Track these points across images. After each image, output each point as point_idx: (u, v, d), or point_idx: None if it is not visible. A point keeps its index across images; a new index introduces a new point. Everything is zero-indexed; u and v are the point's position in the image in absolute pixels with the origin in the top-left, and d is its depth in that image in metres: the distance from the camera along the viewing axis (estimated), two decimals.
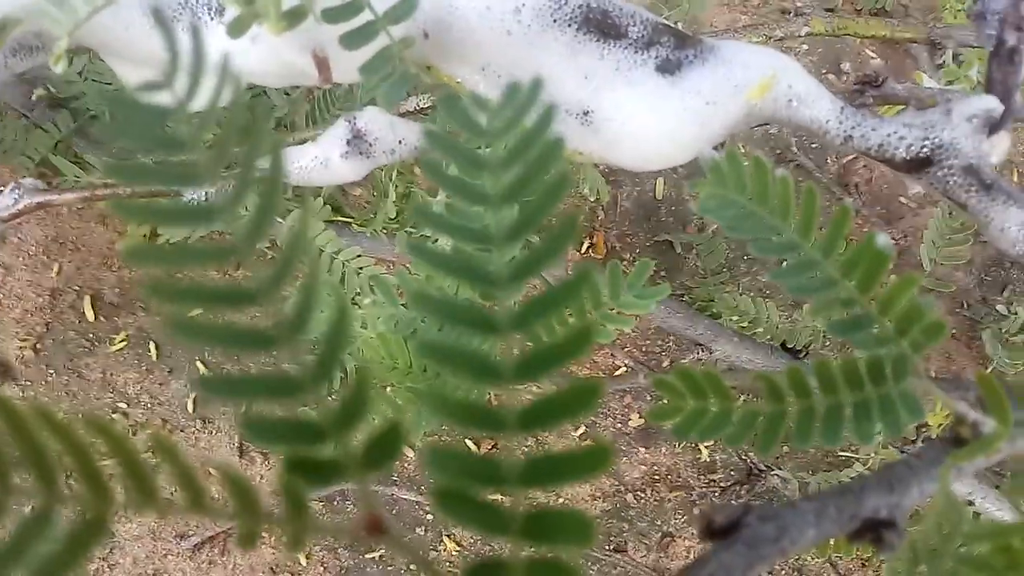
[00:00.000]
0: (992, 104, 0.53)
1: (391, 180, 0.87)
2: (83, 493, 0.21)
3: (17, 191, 0.67)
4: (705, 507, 0.37)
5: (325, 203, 0.88)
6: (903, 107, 0.64)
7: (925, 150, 0.57)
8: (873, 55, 1.65)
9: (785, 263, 0.45)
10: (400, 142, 0.65)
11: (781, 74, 0.58)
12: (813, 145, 1.52)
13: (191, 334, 0.20)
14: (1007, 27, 0.50)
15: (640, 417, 1.24)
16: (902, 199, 1.54)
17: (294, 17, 0.47)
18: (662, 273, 1.30)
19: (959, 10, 1.48)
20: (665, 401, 0.43)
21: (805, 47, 1.60)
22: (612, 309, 0.60)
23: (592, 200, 1.06)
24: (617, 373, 1.22)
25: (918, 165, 0.57)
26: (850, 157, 1.52)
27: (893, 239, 1.48)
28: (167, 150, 0.26)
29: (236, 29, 0.47)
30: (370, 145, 0.64)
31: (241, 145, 0.27)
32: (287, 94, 1.20)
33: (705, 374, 0.42)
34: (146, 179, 0.26)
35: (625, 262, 1.32)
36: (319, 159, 0.65)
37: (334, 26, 0.51)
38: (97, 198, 0.67)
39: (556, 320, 0.56)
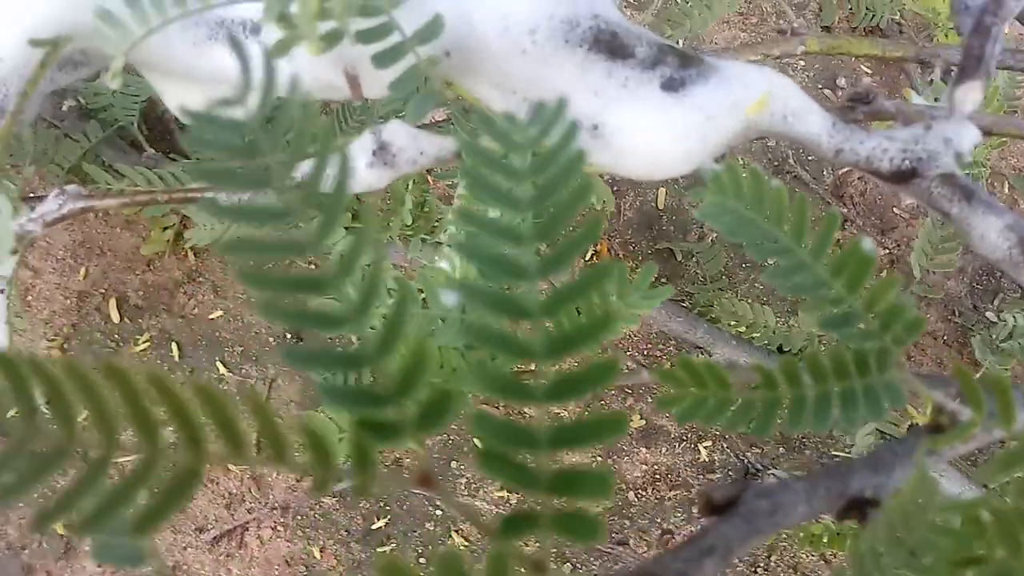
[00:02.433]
0: (971, 134, 0.58)
1: (407, 189, 0.90)
2: (181, 446, 0.25)
3: (61, 197, 0.71)
4: (705, 487, 0.41)
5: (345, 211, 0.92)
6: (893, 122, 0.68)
7: (908, 163, 0.61)
8: (868, 71, 1.69)
9: (777, 265, 0.49)
10: (421, 153, 0.69)
11: (777, 92, 0.62)
12: (810, 158, 1.56)
13: (261, 283, 0.23)
14: (987, 14, 0.56)
15: (642, 418, 1.27)
16: (895, 210, 1.58)
17: (331, 39, 0.51)
18: (663, 280, 1.34)
19: (951, 29, 1.52)
20: (670, 391, 0.46)
21: (802, 63, 1.64)
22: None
23: (599, 209, 1.10)
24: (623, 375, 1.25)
25: (903, 176, 0.61)
26: (845, 170, 1.56)
27: (886, 248, 1.52)
28: (243, 158, 0.30)
29: (279, 50, 0.51)
30: (394, 156, 0.68)
31: (311, 149, 0.31)
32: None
33: (705, 365, 0.45)
34: (227, 182, 0.30)
35: (629, 269, 1.35)
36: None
37: (366, 46, 0.55)
38: (137, 203, 0.71)
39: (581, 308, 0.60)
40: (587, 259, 1.32)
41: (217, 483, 1.10)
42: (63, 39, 0.61)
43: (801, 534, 1.10)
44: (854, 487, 0.46)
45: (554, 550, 1.16)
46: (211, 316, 1.13)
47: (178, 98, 0.75)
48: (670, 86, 0.64)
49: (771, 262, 0.50)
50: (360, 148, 0.68)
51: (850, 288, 0.46)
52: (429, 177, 1.17)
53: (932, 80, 0.86)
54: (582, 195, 0.31)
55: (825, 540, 1.07)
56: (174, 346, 1.14)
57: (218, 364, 1.14)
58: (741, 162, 1.49)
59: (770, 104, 0.61)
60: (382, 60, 0.54)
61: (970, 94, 0.57)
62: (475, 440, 0.28)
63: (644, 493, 1.23)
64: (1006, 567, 0.36)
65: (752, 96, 0.62)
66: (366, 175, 0.68)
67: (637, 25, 0.64)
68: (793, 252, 0.48)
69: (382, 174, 0.68)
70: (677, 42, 1.40)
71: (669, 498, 1.21)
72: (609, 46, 0.65)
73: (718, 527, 0.42)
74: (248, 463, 0.25)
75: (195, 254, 1.14)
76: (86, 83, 1.17)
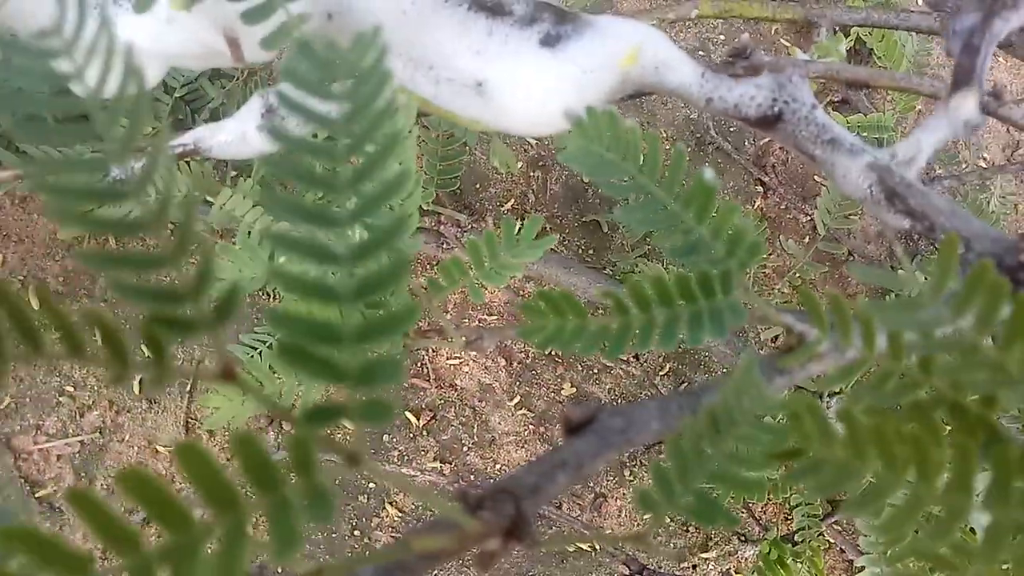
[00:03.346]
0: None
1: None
2: None
3: None
4: (566, 409, 0.43)
5: (255, 184, 0.92)
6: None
7: (775, 108, 0.63)
8: (787, 44, 1.73)
9: (632, 200, 0.51)
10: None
11: (647, 44, 0.64)
12: (731, 129, 1.59)
13: (62, 192, 0.25)
14: (976, 34, 0.59)
15: (572, 386, 1.29)
16: (816, 178, 1.62)
17: None
18: (590, 251, 1.37)
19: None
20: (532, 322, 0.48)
21: (722, 37, 1.67)
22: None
23: (506, 175, 1.12)
24: None
25: (768, 121, 0.63)
26: (766, 140, 1.60)
27: (807, 215, 1.56)
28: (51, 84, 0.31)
29: (140, 6, 0.51)
30: (283, 119, 0.68)
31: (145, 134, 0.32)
32: (223, 87, 1.24)
33: (563, 295, 0.47)
34: (49, 139, 0.31)
35: (556, 241, 1.37)
36: (237, 133, 0.69)
37: (237, 4, 0.56)
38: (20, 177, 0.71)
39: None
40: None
41: (145, 465, 1.09)
42: None
43: None
44: (706, 404, 0.49)
45: None
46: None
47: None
48: (547, 42, 0.65)
49: (628, 200, 0.52)
50: (249, 112, 0.69)
51: (699, 218, 0.49)
52: None
53: (820, 39, 0.90)
54: (389, 113, 0.33)
55: (745, 489, 1.10)
56: (97, 331, 1.12)
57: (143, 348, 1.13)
58: (664, 135, 1.51)
59: (641, 56, 0.64)
60: (251, 17, 0.54)
61: (964, 103, 0.60)
62: (276, 339, 0.29)
63: None
64: (819, 459, 0.38)
65: (624, 49, 0.64)
66: (256, 139, 0.69)
67: None
68: (646, 188, 0.50)
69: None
70: (586, 6, 1.42)
71: None
72: (488, 4, 0.66)
73: (572, 444, 0.44)
74: (48, 360, 0.26)
75: (116, 237, 1.13)
76: None
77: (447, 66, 0.66)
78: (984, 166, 1.73)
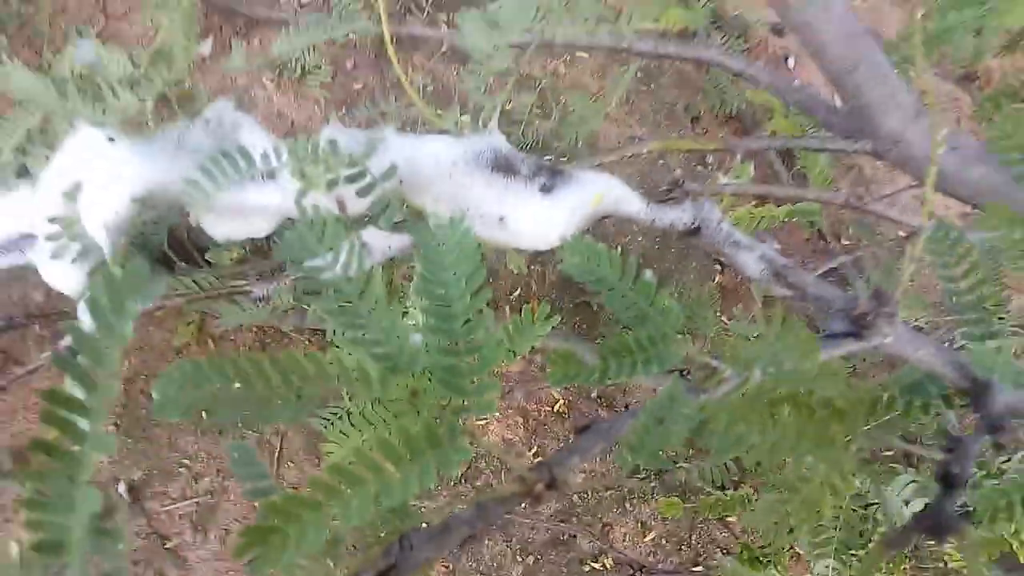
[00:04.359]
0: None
1: (380, 274, 1.22)
2: None
3: None
4: (573, 421, 0.74)
5: None
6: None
7: (696, 223, 0.95)
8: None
9: (608, 293, 0.81)
10: (389, 247, 1.02)
11: (609, 189, 0.96)
12: None
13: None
14: None
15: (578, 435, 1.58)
16: None
17: (332, 185, 0.84)
18: (584, 326, 1.67)
19: (785, 115, 1.93)
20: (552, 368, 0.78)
21: (682, 157, 2.02)
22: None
23: (515, 273, 1.42)
24: (557, 403, 1.56)
25: (692, 233, 0.95)
26: None
27: None
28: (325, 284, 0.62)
29: (301, 194, 0.83)
30: (371, 250, 1.00)
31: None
32: None
33: (567, 351, 0.77)
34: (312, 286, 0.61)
35: (557, 320, 1.68)
36: (341, 261, 1.00)
37: (351, 185, 0.88)
38: (196, 299, 1.02)
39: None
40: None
41: (248, 519, 1.35)
42: (157, 195, 0.92)
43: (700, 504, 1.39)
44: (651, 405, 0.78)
45: (519, 546, 1.44)
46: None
47: (215, 225, 1.06)
48: (545, 190, 0.97)
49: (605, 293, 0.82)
50: (348, 244, 1.00)
51: (645, 300, 0.79)
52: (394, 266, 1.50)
53: (735, 165, 1.22)
54: (475, 262, 0.63)
55: (719, 506, 1.37)
56: (203, 414, 1.41)
57: (239, 426, 1.41)
58: (636, 228, 1.83)
59: (605, 198, 0.96)
60: (362, 193, 0.86)
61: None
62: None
63: (585, 495, 1.51)
64: (713, 427, 0.68)
65: (594, 192, 0.96)
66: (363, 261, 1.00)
67: (520, 153, 0.98)
68: (611, 283, 0.81)
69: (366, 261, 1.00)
70: (576, 141, 1.77)
71: (605, 496, 1.50)
72: (504, 167, 0.98)
73: (580, 438, 0.73)
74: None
75: (214, 342, 1.42)
76: None
77: (479, 208, 0.98)
78: (904, 235, 2.05)
